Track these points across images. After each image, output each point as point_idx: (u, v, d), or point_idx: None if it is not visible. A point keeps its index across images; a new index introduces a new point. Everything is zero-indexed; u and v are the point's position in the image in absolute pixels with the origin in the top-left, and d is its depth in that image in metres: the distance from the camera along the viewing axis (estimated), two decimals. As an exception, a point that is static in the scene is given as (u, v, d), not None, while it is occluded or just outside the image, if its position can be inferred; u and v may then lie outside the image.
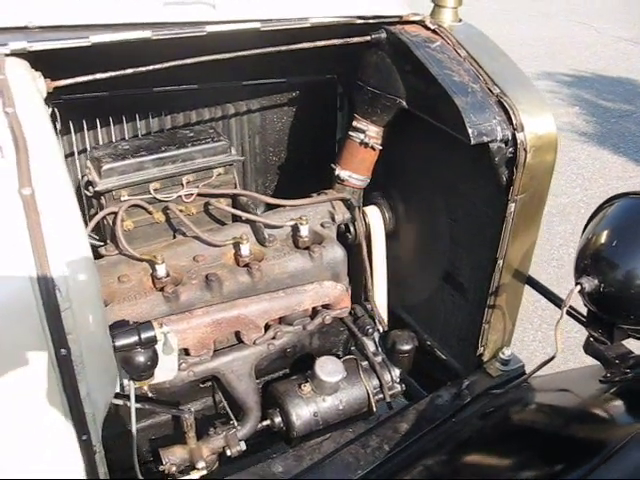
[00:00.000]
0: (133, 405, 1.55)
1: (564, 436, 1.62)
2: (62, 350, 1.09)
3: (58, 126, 1.98)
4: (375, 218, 2.22)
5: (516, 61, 1.88)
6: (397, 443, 1.85)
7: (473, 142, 1.68)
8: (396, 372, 2.10)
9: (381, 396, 2.07)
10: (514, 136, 1.71)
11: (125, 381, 1.53)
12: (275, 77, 2.34)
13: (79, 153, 2.17)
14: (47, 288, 1.05)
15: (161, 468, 1.80)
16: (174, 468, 1.81)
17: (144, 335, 1.34)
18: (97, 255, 1.92)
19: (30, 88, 1.39)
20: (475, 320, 2.04)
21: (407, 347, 2.09)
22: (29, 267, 1.05)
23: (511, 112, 1.71)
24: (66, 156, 2.22)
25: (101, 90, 2.11)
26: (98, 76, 1.61)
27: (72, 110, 2.12)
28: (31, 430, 1.13)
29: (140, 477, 1.68)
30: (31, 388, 1.10)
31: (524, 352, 3.60)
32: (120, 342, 1.31)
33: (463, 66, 1.81)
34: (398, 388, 2.10)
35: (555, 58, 8.53)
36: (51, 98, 1.84)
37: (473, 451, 1.76)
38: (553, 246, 4.57)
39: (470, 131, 1.67)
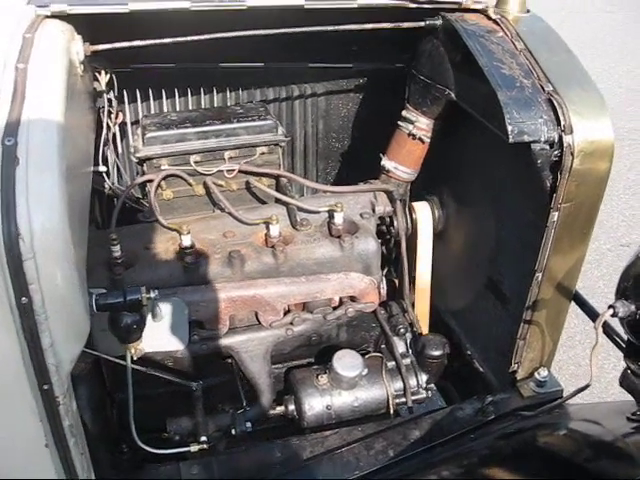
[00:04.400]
0: (129, 366, 1.58)
1: (575, 467, 1.47)
2: (23, 299, 1.12)
3: (115, 92, 2.06)
4: (424, 215, 2.12)
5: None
6: (403, 450, 1.76)
7: (511, 140, 1.55)
8: (423, 377, 1.99)
9: (403, 400, 1.97)
10: (561, 138, 1.56)
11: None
12: (343, 62, 2.30)
13: None
14: (10, 236, 1.09)
15: (164, 436, 1.83)
16: (177, 437, 1.83)
17: (129, 297, 1.35)
18: (136, 221, 1.98)
19: (58, 49, 1.43)
20: (514, 335, 1.91)
21: (437, 353, 1.97)
22: (-4, 214, 1.09)
23: (560, 112, 1.57)
24: (132, 123, 2.31)
25: (169, 62, 2.17)
26: (135, 43, 1.65)
27: (139, 79, 2.19)
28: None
29: (137, 440, 1.71)
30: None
31: (601, 380, 3.35)
32: (104, 301, 1.33)
33: (517, 59, 1.67)
34: (423, 394, 1.98)
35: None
36: (107, 65, 1.92)
37: (481, 471, 1.65)
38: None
39: (510, 128, 1.55)
